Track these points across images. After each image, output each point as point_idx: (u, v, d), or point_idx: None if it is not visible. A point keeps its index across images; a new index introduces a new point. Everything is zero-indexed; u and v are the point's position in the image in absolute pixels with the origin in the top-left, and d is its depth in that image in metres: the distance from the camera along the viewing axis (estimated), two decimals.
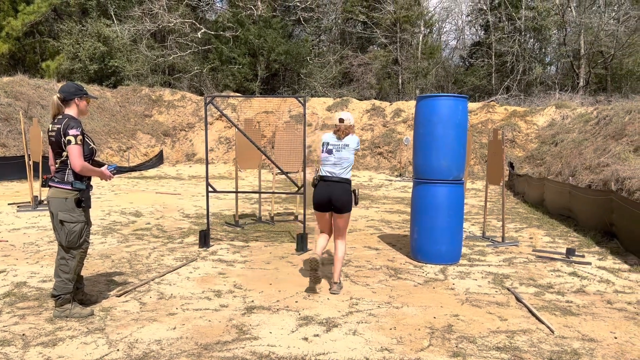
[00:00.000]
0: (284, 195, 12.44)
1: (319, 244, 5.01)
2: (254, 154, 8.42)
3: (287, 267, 5.82)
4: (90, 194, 4.13)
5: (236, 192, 7.63)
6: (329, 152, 4.91)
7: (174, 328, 3.89)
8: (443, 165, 5.98)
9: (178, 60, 30.55)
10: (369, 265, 5.98)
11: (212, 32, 30.80)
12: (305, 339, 3.72)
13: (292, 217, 9.36)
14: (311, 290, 4.92)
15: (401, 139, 20.63)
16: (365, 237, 7.66)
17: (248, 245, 6.93)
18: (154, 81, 29.32)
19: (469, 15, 42.42)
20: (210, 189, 6.91)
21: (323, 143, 4.98)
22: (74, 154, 3.80)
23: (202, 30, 30.61)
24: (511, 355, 3.46)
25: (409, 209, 10.83)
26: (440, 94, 6.12)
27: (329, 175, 4.87)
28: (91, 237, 7.26)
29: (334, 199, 4.81)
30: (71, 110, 3.99)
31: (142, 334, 3.75)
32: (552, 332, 3.87)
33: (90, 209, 4.20)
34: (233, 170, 20.35)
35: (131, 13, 30.24)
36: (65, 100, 3.97)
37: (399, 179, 18.29)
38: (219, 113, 26.07)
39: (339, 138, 4.94)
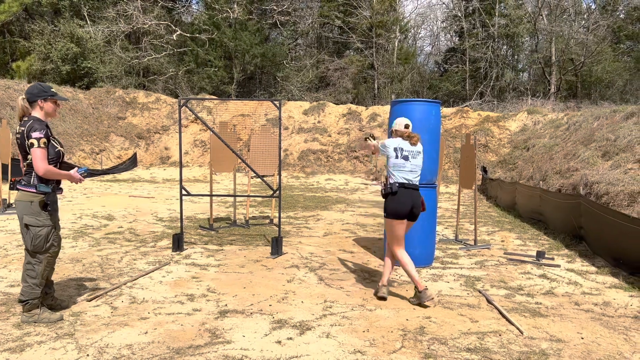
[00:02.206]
0: (259, 199, 12.39)
1: (410, 263, 4.71)
2: (229, 157, 8.38)
3: (262, 270, 5.80)
4: (59, 197, 4.06)
5: (210, 195, 7.58)
6: (405, 158, 4.69)
7: (146, 332, 3.84)
8: None
9: (153, 62, 30.21)
10: (343, 268, 6.00)
11: (188, 35, 30.57)
12: (279, 342, 3.72)
13: (267, 221, 9.34)
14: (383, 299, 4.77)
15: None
16: (340, 241, 7.69)
17: (222, 249, 6.88)
18: (128, 83, 28.92)
19: (444, 21, 43.10)
20: (184, 192, 6.85)
21: (395, 148, 4.70)
22: (37, 158, 3.70)
23: (178, 33, 30.36)
24: (481, 356, 3.51)
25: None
26: (414, 99, 6.20)
27: (407, 182, 4.68)
28: (63, 241, 7.12)
29: (415, 206, 4.68)
30: (36, 112, 3.89)
31: (112, 339, 3.70)
32: (522, 333, 3.95)
33: (57, 213, 4.09)
34: (208, 174, 20.20)
35: (105, 14, 29.80)
36: (30, 102, 3.87)
37: (374, 182, 18.41)
38: (194, 116, 25.94)
39: (413, 144, 4.76)
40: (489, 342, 3.78)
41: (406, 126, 4.81)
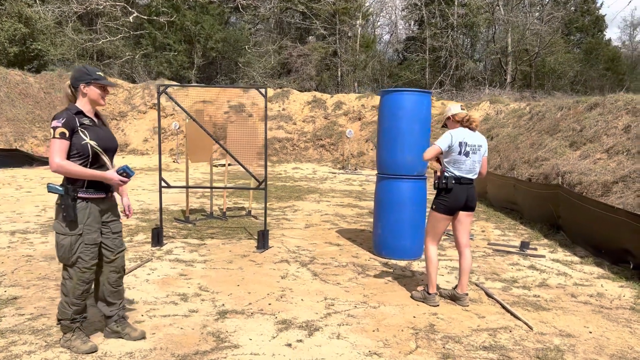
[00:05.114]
0: (232, 189, 12.06)
1: (434, 263, 4.47)
2: (205, 147, 8.06)
3: (252, 266, 5.58)
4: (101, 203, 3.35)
5: (186, 187, 7.25)
6: (467, 154, 4.31)
7: (144, 338, 3.58)
8: (408, 160, 5.95)
9: (108, 45, 28.93)
10: (334, 262, 5.86)
11: (145, 17, 29.41)
12: (289, 345, 3.54)
13: (244, 212, 9.08)
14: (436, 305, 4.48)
15: (343, 131, 20.68)
16: (324, 232, 7.54)
17: (204, 244, 6.61)
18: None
19: (403, 9, 43.28)
20: (163, 184, 6.52)
21: (461, 143, 4.29)
22: (50, 150, 3.14)
23: (134, 15, 29.16)
24: (499, 354, 3.46)
25: (360, 203, 10.85)
26: (405, 89, 6.08)
27: (464, 177, 4.35)
28: (30, 236, 6.68)
29: (470, 199, 4.38)
30: (80, 99, 3.31)
31: (110, 347, 3.43)
32: (531, 328, 3.92)
33: (86, 222, 3.27)
34: (171, 162, 19.59)
35: None
36: (75, 87, 3.32)
37: (342, 171, 18.34)
38: (152, 102, 25.04)
39: (474, 129, 4.39)
40: (501, 339, 3.73)
41: (462, 108, 4.47)
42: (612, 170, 8.72)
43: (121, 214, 3.59)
